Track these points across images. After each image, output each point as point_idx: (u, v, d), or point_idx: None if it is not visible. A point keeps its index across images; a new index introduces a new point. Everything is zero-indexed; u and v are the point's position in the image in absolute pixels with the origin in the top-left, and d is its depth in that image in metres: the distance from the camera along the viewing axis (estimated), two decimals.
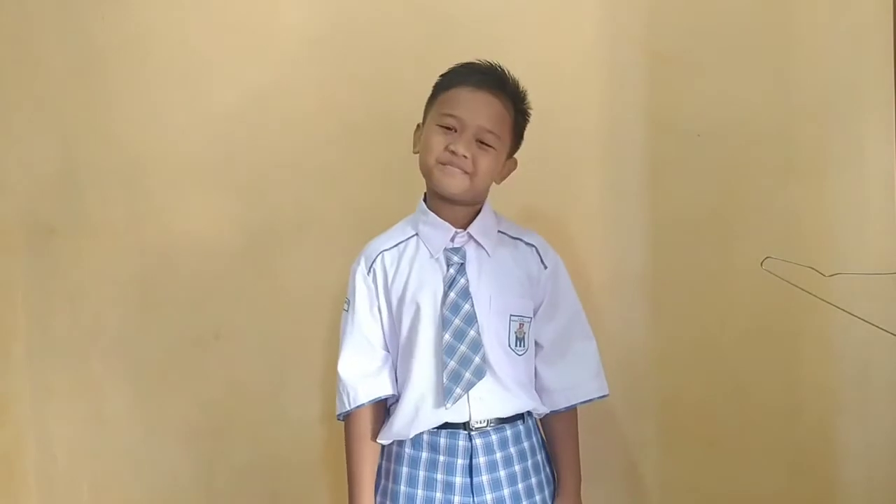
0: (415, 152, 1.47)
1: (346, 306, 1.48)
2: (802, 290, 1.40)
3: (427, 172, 1.42)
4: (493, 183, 1.46)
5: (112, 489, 1.94)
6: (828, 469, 1.65)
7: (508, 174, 1.48)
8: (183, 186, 1.88)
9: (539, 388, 1.46)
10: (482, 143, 1.39)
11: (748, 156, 1.67)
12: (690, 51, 1.68)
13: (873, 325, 1.38)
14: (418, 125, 1.48)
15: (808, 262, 1.41)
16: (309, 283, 1.82)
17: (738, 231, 1.67)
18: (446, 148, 1.38)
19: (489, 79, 1.42)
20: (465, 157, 1.38)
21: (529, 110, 1.48)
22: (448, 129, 1.39)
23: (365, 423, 1.45)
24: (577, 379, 1.45)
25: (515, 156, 1.49)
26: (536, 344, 1.46)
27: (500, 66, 1.44)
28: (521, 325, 1.43)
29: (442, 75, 1.45)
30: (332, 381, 1.77)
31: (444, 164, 1.38)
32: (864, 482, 1.64)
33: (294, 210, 1.83)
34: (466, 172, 1.38)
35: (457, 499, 1.38)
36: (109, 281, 1.92)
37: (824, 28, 1.64)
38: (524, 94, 1.46)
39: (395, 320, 1.44)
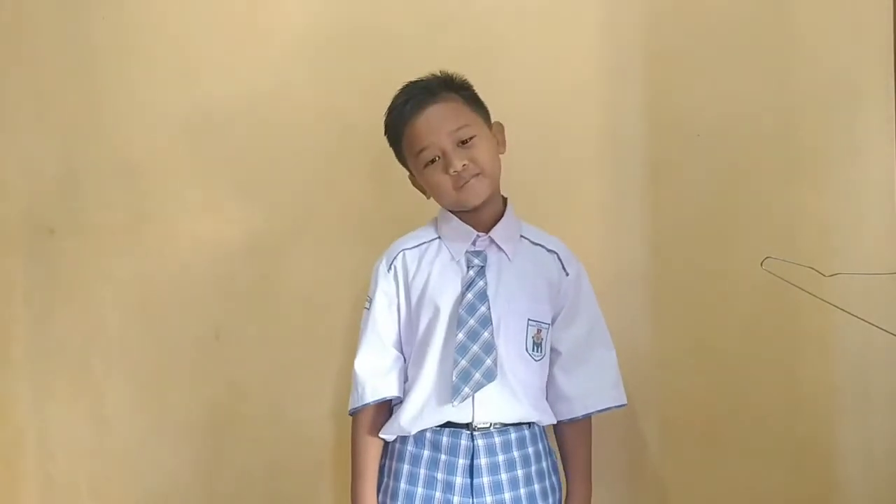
0: (429, 197, 1.49)
1: (367, 304, 1.49)
2: (802, 290, 1.40)
3: (454, 203, 1.44)
4: (500, 156, 1.46)
5: (112, 489, 1.94)
6: (828, 469, 1.65)
7: (504, 138, 1.49)
8: (183, 186, 1.88)
9: (556, 395, 1.46)
10: (464, 141, 1.41)
11: (748, 156, 1.67)
12: (690, 51, 1.68)
13: (873, 325, 1.38)
14: (409, 178, 1.50)
15: (808, 262, 1.40)
16: (309, 283, 1.82)
17: (738, 231, 1.67)
18: (448, 173, 1.40)
19: (418, 95, 1.44)
20: (465, 165, 1.39)
21: (465, 81, 1.48)
22: (432, 160, 1.41)
23: (370, 420, 1.45)
24: (595, 387, 1.45)
25: (494, 120, 1.50)
26: (554, 350, 1.46)
27: (415, 80, 1.46)
28: (539, 330, 1.43)
29: (386, 130, 1.49)
30: (332, 381, 1.79)
31: (460, 185, 1.40)
32: (864, 482, 1.63)
33: (294, 210, 1.83)
34: (477, 174, 1.40)
35: (456, 499, 1.37)
36: (109, 281, 1.92)
37: (824, 28, 1.64)
38: (449, 76, 1.46)
39: (413, 318, 1.44)
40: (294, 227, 1.83)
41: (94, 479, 1.95)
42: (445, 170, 1.40)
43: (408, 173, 1.51)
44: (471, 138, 1.41)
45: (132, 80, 1.91)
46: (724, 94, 1.67)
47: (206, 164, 1.87)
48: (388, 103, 1.75)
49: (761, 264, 1.37)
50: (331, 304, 1.79)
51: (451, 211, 1.47)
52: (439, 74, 1.47)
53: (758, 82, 1.66)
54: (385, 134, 1.50)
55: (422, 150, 1.42)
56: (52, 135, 1.95)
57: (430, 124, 1.41)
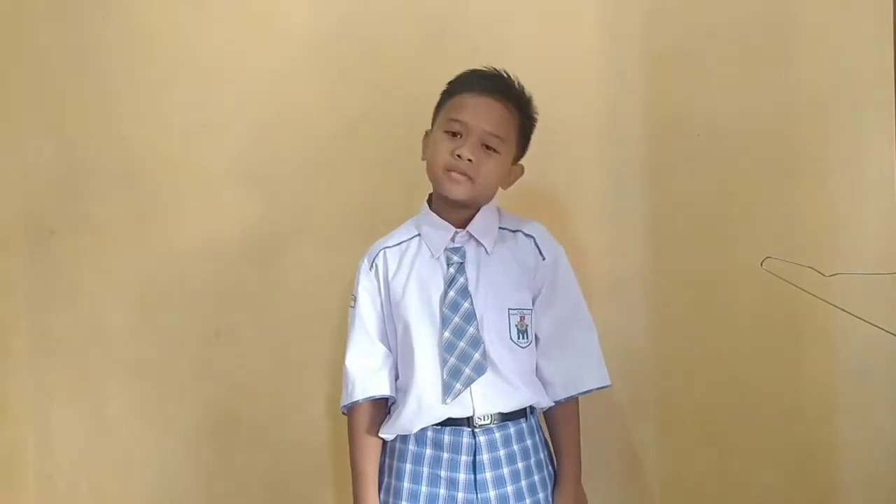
0: (423, 159, 1.48)
1: (352, 302, 1.51)
2: (802, 290, 1.40)
3: (434, 178, 1.45)
4: (500, 188, 1.48)
5: (112, 489, 1.94)
6: (828, 469, 1.65)
7: (515, 180, 1.50)
8: (183, 186, 1.88)
9: (539, 380, 1.46)
10: (487, 147, 1.41)
11: (748, 156, 1.67)
12: (690, 51, 1.68)
13: (873, 325, 1.38)
14: (426, 132, 1.50)
15: (808, 262, 1.41)
16: (309, 282, 1.82)
17: (738, 231, 1.67)
18: (452, 153, 1.40)
19: (494, 84, 1.44)
20: (469, 160, 1.39)
21: (535, 115, 1.49)
22: (454, 134, 1.42)
23: (365, 418, 1.46)
24: (577, 369, 1.45)
25: (522, 162, 1.50)
26: (536, 336, 1.47)
27: (505, 72, 1.47)
28: (522, 317, 1.44)
29: (449, 82, 1.48)
30: (332, 381, 1.79)
31: (450, 170, 1.41)
32: (864, 482, 1.64)
33: (294, 210, 1.83)
34: (470, 178, 1.40)
35: (460, 495, 1.39)
36: (109, 281, 1.92)
37: (824, 28, 1.64)
38: (530, 99, 1.48)
39: (396, 316, 1.46)
40: (294, 227, 1.83)
41: (94, 479, 1.95)
42: (453, 147, 1.41)
43: (427, 130, 1.50)
44: (494, 150, 1.42)
45: (132, 80, 1.91)
46: (724, 94, 1.67)
47: (206, 164, 1.87)
48: (388, 103, 1.76)
49: (761, 264, 1.37)
50: (331, 303, 1.79)
51: (431, 208, 1.48)
52: (525, 91, 1.47)
53: (758, 82, 1.66)
54: (448, 83, 1.48)
55: (455, 120, 1.42)
56: (52, 135, 1.95)
57: (480, 109, 1.42)
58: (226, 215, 1.86)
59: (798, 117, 1.65)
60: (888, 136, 1.59)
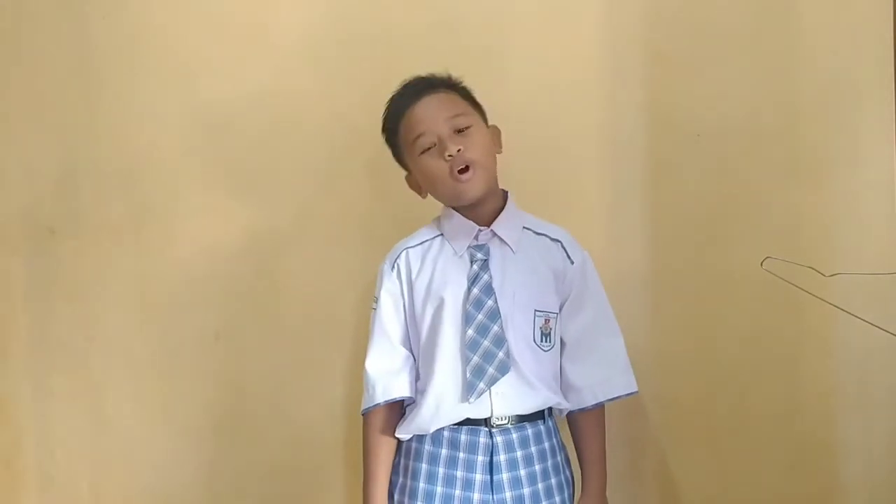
0: (424, 196, 1.49)
1: (374, 304, 1.49)
2: (802, 290, 1.40)
3: (448, 194, 1.44)
4: (498, 155, 1.48)
5: (112, 489, 1.94)
6: (828, 468, 1.65)
7: (500, 139, 1.50)
8: (183, 186, 1.88)
9: (565, 386, 1.45)
10: (460, 130, 1.41)
11: (748, 156, 1.67)
12: (690, 50, 1.68)
13: (873, 325, 1.38)
14: (406, 176, 1.51)
15: (808, 262, 1.41)
16: (309, 283, 1.82)
17: (738, 231, 1.67)
18: (444, 157, 1.40)
19: (420, 86, 1.46)
20: (459, 149, 1.39)
21: (462, 82, 1.50)
22: (429, 148, 1.42)
23: (381, 420, 1.45)
24: (604, 375, 1.44)
25: (491, 123, 1.51)
26: (561, 340, 1.46)
27: (419, 75, 1.48)
28: (547, 320, 1.43)
29: (384, 124, 1.50)
30: (333, 380, 1.79)
31: (456, 172, 1.40)
32: (864, 481, 1.64)
33: (294, 210, 1.83)
34: (473, 164, 1.40)
35: (476, 496, 1.38)
36: (109, 281, 1.92)
37: (824, 28, 1.64)
38: (449, 76, 1.49)
39: (419, 316, 1.44)
40: (294, 227, 1.83)
41: (94, 478, 1.94)
42: (441, 155, 1.40)
43: (405, 174, 1.51)
44: (467, 127, 1.42)
45: (132, 80, 1.90)
46: (724, 94, 1.67)
47: (206, 164, 1.87)
48: None
49: (761, 264, 1.37)
50: (331, 303, 1.79)
51: (452, 207, 1.47)
52: (440, 74, 1.48)
53: (758, 82, 1.66)
54: (383, 130, 1.51)
55: (419, 136, 1.42)
56: (51, 135, 1.95)
57: (428, 110, 1.42)
58: (226, 216, 1.86)
59: (798, 117, 1.65)
60: (888, 136, 1.59)
